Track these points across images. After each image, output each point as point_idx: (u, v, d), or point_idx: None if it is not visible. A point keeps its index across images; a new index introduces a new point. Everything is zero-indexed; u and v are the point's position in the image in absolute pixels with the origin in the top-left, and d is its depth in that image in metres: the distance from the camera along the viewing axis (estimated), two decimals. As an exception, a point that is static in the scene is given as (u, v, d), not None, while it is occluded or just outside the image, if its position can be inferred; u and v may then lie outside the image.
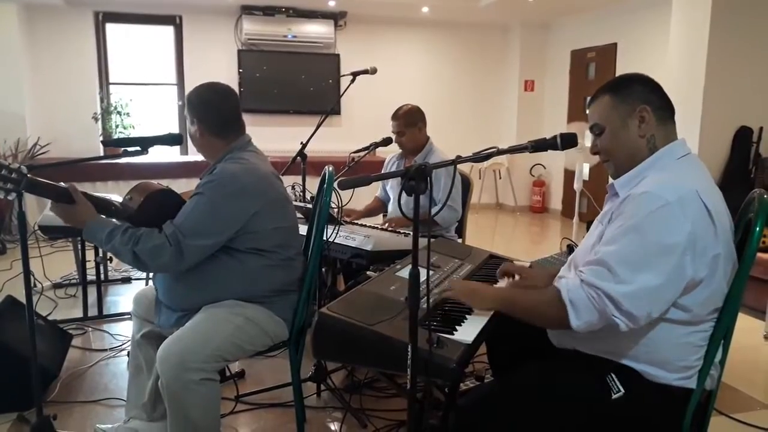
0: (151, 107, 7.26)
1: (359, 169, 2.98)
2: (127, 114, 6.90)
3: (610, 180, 1.59)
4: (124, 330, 3.35)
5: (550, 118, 7.97)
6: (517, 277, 1.93)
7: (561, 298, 1.39)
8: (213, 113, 1.98)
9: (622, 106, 1.49)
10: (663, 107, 1.50)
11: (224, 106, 2.00)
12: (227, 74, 7.00)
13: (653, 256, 1.32)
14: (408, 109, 3.24)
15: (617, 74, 1.61)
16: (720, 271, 1.38)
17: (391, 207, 3.43)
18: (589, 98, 1.57)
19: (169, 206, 1.89)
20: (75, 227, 1.86)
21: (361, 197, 3.36)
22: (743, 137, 4.78)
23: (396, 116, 3.23)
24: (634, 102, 1.48)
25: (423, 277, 1.35)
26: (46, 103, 6.71)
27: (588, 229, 1.68)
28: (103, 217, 1.88)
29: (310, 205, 2.69)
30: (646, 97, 1.48)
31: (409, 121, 3.20)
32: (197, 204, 1.85)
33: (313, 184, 2.61)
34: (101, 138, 6.86)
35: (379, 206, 3.54)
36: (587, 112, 1.58)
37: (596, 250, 1.40)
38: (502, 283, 1.95)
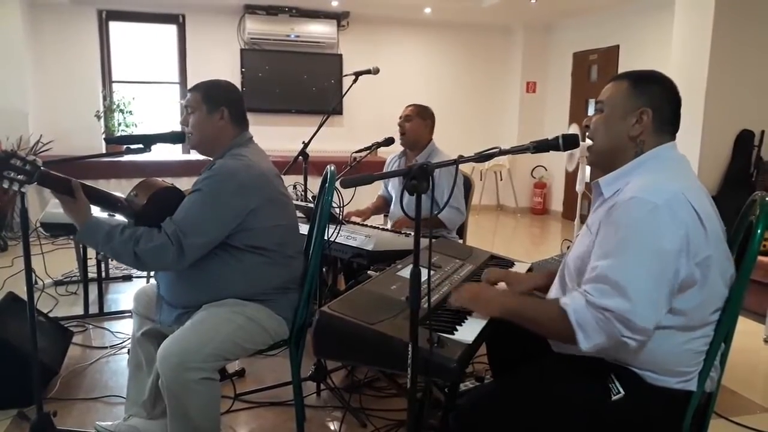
0: (153, 106, 7.27)
1: (361, 169, 2.98)
2: (130, 112, 6.90)
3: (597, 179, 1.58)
4: (125, 328, 3.35)
5: (552, 120, 7.96)
6: (502, 284, 1.90)
7: (568, 320, 1.36)
8: (239, 103, 2.05)
9: (631, 100, 1.48)
10: (668, 120, 1.48)
11: (242, 99, 2.10)
12: (230, 73, 7.01)
13: (651, 263, 1.31)
14: (424, 104, 3.29)
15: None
16: (713, 273, 1.37)
17: (393, 207, 3.44)
18: (615, 75, 1.56)
19: (175, 204, 1.89)
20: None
21: (363, 196, 3.36)
22: (745, 140, 4.78)
23: (412, 104, 3.27)
24: (643, 101, 1.47)
25: (424, 276, 1.35)
26: (48, 101, 6.72)
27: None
28: (99, 217, 1.86)
29: (311, 205, 2.69)
30: (658, 103, 1.47)
31: (421, 112, 3.23)
32: (196, 201, 1.85)
33: (314, 184, 2.61)
34: (104, 136, 6.87)
35: (383, 204, 3.55)
36: (606, 85, 1.56)
37: (594, 265, 1.37)
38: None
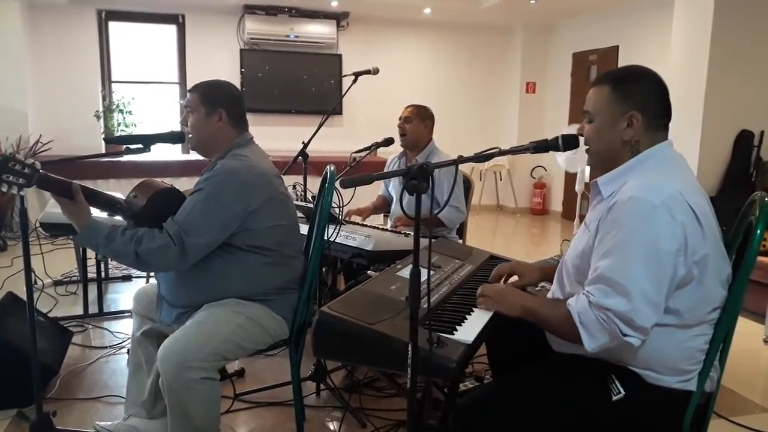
0: (153, 106, 7.26)
1: (361, 169, 2.98)
2: (129, 112, 6.90)
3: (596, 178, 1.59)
4: (124, 327, 3.35)
5: (551, 121, 7.97)
6: (514, 278, 1.92)
7: (573, 320, 1.38)
8: (238, 104, 2.04)
9: (616, 105, 1.48)
10: (658, 115, 1.48)
11: (242, 100, 2.10)
12: (229, 73, 7.00)
13: (650, 263, 1.32)
14: (423, 105, 3.30)
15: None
16: (709, 272, 1.37)
17: (394, 207, 3.44)
18: (595, 79, 1.56)
19: (175, 206, 1.89)
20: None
21: (363, 197, 3.36)
22: (744, 141, 4.78)
23: (411, 105, 3.29)
24: (629, 105, 1.46)
25: (424, 276, 1.35)
26: (48, 101, 6.71)
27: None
28: (98, 219, 1.86)
29: (311, 205, 2.69)
30: (643, 102, 1.46)
31: (420, 113, 3.24)
32: (198, 201, 1.86)
33: (314, 184, 2.62)
34: (103, 136, 6.86)
35: (383, 203, 3.56)
36: (589, 92, 1.56)
37: (595, 265, 1.39)
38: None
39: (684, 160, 1.51)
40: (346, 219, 3.22)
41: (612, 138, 1.49)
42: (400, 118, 3.27)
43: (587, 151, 1.58)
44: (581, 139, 1.59)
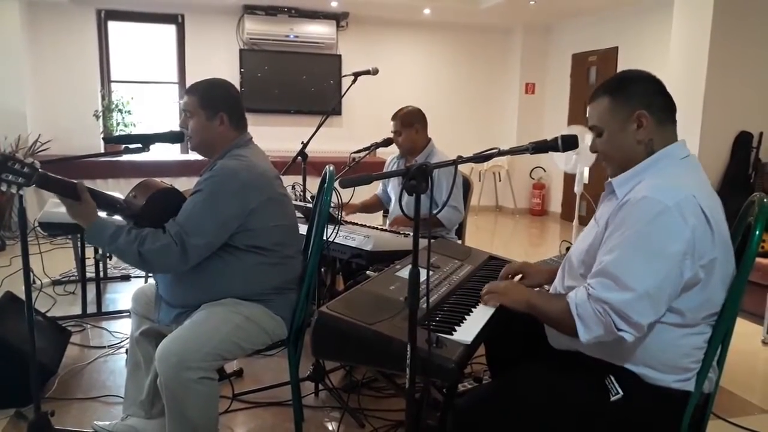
0: (152, 105, 7.26)
1: (360, 170, 2.98)
2: (129, 112, 6.89)
3: (609, 178, 1.59)
4: (123, 327, 3.35)
5: (551, 122, 7.97)
6: (518, 277, 1.93)
7: (570, 312, 1.40)
8: (237, 106, 2.04)
9: (620, 110, 1.48)
10: (663, 109, 1.48)
11: (240, 100, 2.09)
12: (229, 73, 6.99)
13: (655, 262, 1.32)
14: (407, 110, 3.25)
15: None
16: (716, 275, 1.38)
17: (393, 207, 3.44)
18: (590, 95, 1.57)
19: (174, 205, 1.89)
20: (77, 224, 1.87)
21: (362, 197, 3.36)
22: (743, 142, 4.79)
23: (395, 116, 3.25)
24: (633, 106, 1.47)
25: (423, 277, 1.35)
26: (47, 100, 6.71)
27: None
28: (105, 217, 1.87)
29: (310, 205, 2.69)
30: (645, 100, 1.47)
31: (406, 122, 3.21)
32: (197, 202, 1.86)
33: (313, 184, 2.61)
34: (102, 135, 6.86)
35: (376, 203, 3.54)
36: (588, 109, 1.58)
37: (600, 259, 1.40)
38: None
39: (696, 162, 1.51)
40: (344, 220, 3.22)
41: (625, 142, 1.49)
42: (391, 131, 3.26)
43: (605, 163, 1.57)
44: (580, 140, 1.59)
